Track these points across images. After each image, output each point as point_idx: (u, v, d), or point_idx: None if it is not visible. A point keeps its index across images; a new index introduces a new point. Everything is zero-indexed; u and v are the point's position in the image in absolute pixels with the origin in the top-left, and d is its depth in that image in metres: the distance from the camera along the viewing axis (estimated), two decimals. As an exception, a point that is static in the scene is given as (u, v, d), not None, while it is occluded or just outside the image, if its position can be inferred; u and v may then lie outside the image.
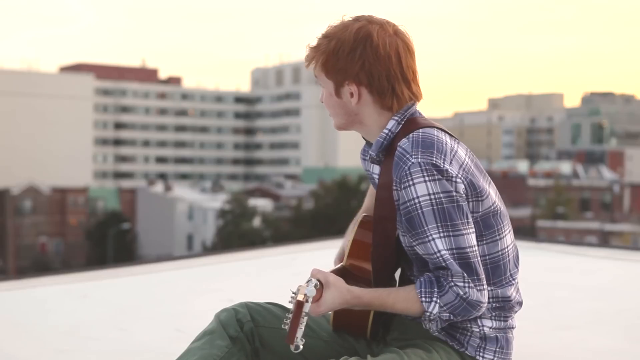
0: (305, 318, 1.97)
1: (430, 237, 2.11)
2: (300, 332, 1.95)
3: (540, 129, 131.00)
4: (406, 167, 2.12)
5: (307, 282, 2.03)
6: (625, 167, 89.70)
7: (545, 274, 5.20)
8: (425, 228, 2.11)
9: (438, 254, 2.10)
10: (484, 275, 2.14)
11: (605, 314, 4.13)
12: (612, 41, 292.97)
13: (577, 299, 4.47)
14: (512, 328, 2.29)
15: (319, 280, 2.08)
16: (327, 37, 2.24)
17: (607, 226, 58.30)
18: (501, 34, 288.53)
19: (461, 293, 2.10)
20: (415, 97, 2.25)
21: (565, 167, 78.93)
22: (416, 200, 2.11)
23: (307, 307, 1.97)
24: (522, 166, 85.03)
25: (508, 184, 65.57)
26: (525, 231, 51.34)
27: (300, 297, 1.97)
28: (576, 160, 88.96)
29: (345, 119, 2.28)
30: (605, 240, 52.64)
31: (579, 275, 5.32)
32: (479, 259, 2.14)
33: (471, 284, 2.10)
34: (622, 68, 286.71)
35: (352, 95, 2.23)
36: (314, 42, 2.26)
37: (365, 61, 2.19)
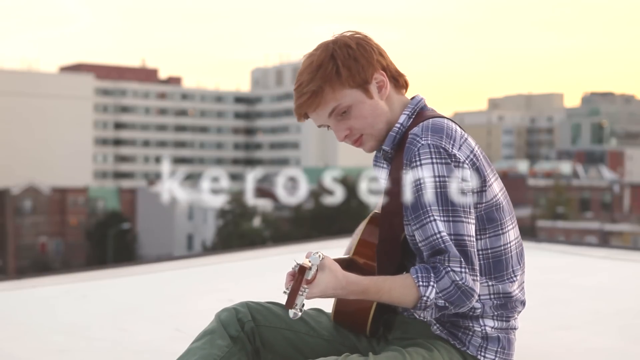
0: (307, 289, 1.95)
1: (431, 218, 2.10)
2: (300, 299, 1.93)
3: (540, 129, 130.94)
4: (415, 149, 2.13)
5: (313, 253, 2.01)
6: (625, 167, 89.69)
7: (545, 274, 5.20)
8: (427, 209, 2.10)
9: (438, 235, 2.09)
10: (478, 267, 2.14)
11: (605, 313, 4.13)
12: (612, 41, 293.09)
13: (577, 299, 4.48)
14: (515, 329, 2.29)
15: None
16: (319, 61, 2.19)
17: (607, 226, 58.32)
18: (501, 34, 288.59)
19: (457, 279, 2.08)
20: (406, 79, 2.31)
21: (565, 167, 78.91)
22: (421, 181, 2.11)
23: (309, 275, 1.95)
24: (522, 166, 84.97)
25: (508, 184, 64.07)
26: (525, 231, 51.34)
27: (305, 262, 1.96)
28: (576, 160, 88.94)
29: (385, 122, 2.24)
30: (605, 240, 52.65)
31: (578, 275, 5.32)
32: (475, 250, 2.14)
33: (467, 270, 2.10)
34: (622, 68, 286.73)
35: (380, 86, 2.23)
36: (305, 82, 2.18)
37: (373, 47, 2.23)
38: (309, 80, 2.19)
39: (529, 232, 52.11)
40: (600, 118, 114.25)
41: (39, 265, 63.63)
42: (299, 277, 1.94)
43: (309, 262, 1.97)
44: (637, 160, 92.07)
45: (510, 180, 68.67)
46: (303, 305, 1.97)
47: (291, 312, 1.94)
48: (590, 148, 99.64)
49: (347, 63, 2.18)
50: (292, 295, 1.93)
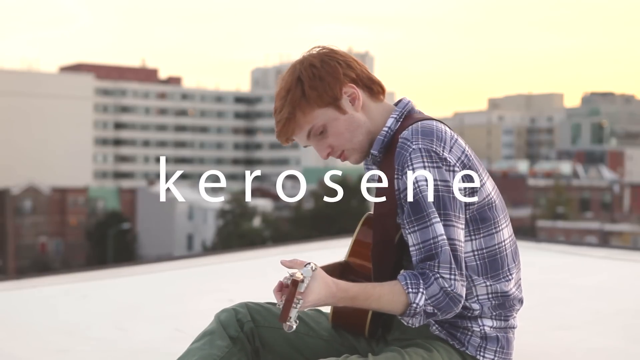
0: (301, 300, 1.94)
1: (432, 221, 2.10)
2: (294, 312, 1.91)
3: (540, 129, 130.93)
4: (407, 154, 2.13)
5: (305, 265, 2.00)
6: (625, 167, 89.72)
7: (545, 274, 5.20)
8: (425, 213, 2.10)
9: (436, 239, 2.09)
10: (465, 272, 2.14)
11: (605, 314, 4.13)
12: (612, 41, 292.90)
13: (577, 299, 4.48)
14: (513, 328, 2.29)
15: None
16: (287, 86, 2.20)
17: (607, 226, 58.36)
18: (501, 34, 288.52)
19: (446, 285, 2.08)
20: (381, 84, 2.29)
21: (565, 167, 78.96)
22: (415, 185, 2.11)
23: (302, 287, 1.93)
24: (522, 166, 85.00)
25: (508, 184, 65.57)
26: (525, 231, 51.35)
27: (297, 276, 1.94)
28: (576, 160, 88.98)
29: (364, 133, 2.24)
30: (605, 240, 52.68)
31: (578, 275, 5.32)
32: (464, 255, 2.14)
33: (457, 277, 2.10)
34: (622, 68, 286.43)
35: (352, 99, 2.22)
36: (278, 109, 2.21)
37: (339, 60, 2.22)
38: (281, 106, 2.21)
39: (529, 232, 52.10)
40: (600, 118, 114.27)
41: (39, 265, 63.64)
42: (292, 289, 1.92)
43: (302, 274, 1.95)
44: (637, 160, 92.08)
45: (510, 180, 68.72)
46: (297, 317, 1.96)
47: (285, 326, 1.92)
48: (590, 148, 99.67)
49: (313, 84, 2.18)
50: (286, 308, 1.91)
